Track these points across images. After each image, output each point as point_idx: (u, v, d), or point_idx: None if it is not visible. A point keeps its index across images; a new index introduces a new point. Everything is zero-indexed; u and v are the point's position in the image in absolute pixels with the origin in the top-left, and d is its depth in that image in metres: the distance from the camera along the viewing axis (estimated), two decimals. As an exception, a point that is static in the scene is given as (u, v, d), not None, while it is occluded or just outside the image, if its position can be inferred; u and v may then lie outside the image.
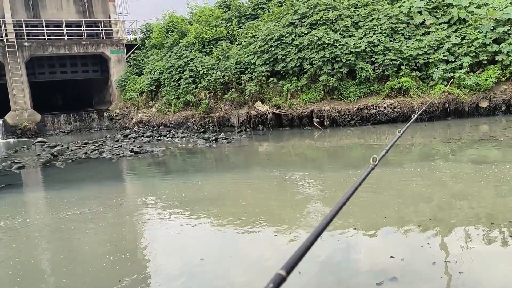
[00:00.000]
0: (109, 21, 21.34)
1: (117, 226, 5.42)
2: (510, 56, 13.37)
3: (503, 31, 13.80)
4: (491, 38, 13.81)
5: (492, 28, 13.94)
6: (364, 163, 8.66)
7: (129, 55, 21.34)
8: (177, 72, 17.46)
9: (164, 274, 3.88)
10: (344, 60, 14.14)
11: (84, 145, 13.78)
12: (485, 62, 13.76)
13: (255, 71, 15.13)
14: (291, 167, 8.82)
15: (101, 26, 20.92)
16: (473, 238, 4.15)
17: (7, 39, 18.54)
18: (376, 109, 13.66)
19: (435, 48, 14.13)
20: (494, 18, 14.06)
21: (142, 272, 3.93)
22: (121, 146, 13.25)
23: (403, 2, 15.83)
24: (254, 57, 15.63)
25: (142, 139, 14.63)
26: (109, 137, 15.70)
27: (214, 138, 13.28)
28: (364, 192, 6.07)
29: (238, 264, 3.97)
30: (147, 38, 22.14)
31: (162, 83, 18.09)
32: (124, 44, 21.24)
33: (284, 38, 15.36)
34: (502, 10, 14.26)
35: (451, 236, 4.21)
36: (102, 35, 20.86)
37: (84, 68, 21.22)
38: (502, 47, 13.64)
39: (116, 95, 20.59)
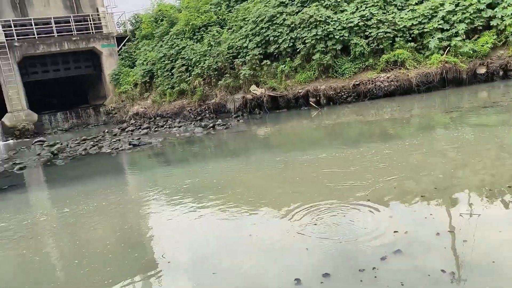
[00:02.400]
0: (98, 15, 21.04)
1: (122, 220, 5.43)
2: (505, 20, 13.12)
3: (497, -6, 13.52)
4: (485, 3, 13.54)
5: (486, -8, 13.65)
6: (364, 139, 8.61)
7: (121, 48, 21.11)
8: (169, 62, 17.29)
9: (171, 266, 3.84)
10: (337, 37, 13.94)
11: (83, 142, 13.77)
12: (481, 28, 13.53)
13: (248, 55, 14.95)
14: (291, 149, 8.78)
15: (90, 20, 20.64)
16: (475, 205, 4.13)
17: (-4, 41, 18.35)
18: (372, 84, 13.52)
19: (429, 17, 13.88)
20: (488, -18, 13.74)
21: (150, 265, 3.92)
22: (119, 140, 13.22)
23: (394, -28, 15.47)
24: (246, 40, 15.43)
25: (140, 131, 14.59)
26: (107, 132, 15.67)
27: (211, 125, 13.22)
28: (365, 167, 6.04)
29: (246, 251, 3.94)
30: (137, 29, 21.87)
31: (155, 73, 17.93)
32: (115, 37, 20.99)
33: (275, 18, 15.11)
34: (495, -27, 13.93)
35: (453, 205, 4.20)
36: (92, 30, 20.60)
37: (77, 64, 21.03)
38: (496, 11, 13.37)
39: (110, 89, 20.46)
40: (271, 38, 14.92)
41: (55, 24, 19.70)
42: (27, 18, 19.71)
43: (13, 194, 8.03)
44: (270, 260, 3.61)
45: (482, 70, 13.38)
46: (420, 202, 4.38)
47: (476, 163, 5.60)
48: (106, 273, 3.85)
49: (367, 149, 7.28)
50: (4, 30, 18.68)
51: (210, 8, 18.73)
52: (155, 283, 3.56)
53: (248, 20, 16.09)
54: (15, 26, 19.07)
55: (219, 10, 18.52)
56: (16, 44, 18.78)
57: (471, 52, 13.21)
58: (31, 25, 19.31)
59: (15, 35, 18.86)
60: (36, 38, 19.24)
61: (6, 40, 18.53)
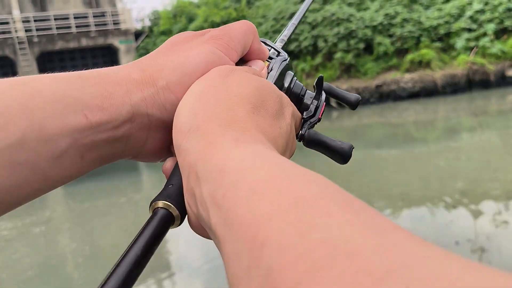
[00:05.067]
0: (116, 11, 21.03)
1: (137, 218, 5.29)
2: (539, 19, 12.58)
3: (530, -7, 12.96)
4: (516, 1, 13.00)
5: (517, -9, 13.10)
6: (385, 142, 8.28)
7: (138, 44, 21.06)
8: (187, 59, 17.12)
9: (186, 267, 3.77)
10: (360, 35, 13.56)
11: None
12: (511, 28, 13.00)
13: (268, 53, 14.67)
14: (307, 152, 8.48)
15: (109, 16, 20.64)
16: (500, 214, 3.88)
17: (17, 36, 18.46)
18: (396, 84, 13.11)
19: (456, 16, 13.40)
20: (520, -20, 13.20)
21: (165, 266, 3.81)
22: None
23: (420, -30, 15.02)
24: (266, 37, 15.14)
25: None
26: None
27: (229, 124, 13.00)
28: (388, 170, 5.74)
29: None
30: (156, 26, 21.79)
31: (173, 71, 17.78)
32: (133, 33, 20.96)
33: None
34: (528, -30, 13.37)
35: (477, 213, 4.00)
36: (110, 26, 20.60)
37: (94, 61, 21.08)
38: (529, 10, 12.84)
39: (128, 86, 20.40)
40: (292, 36, 14.59)
41: (74, 20, 19.76)
42: (46, 14, 19.81)
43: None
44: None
45: (511, 72, 12.86)
46: (442, 208, 4.19)
47: (504, 170, 5.27)
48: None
49: (389, 152, 6.96)
50: (24, 26, 18.80)
51: (230, 4, 18.51)
52: (168, 283, 3.47)
53: (268, 17, 15.81)
54: (34, 21, 19.18)
55: (239, 6, 18.28)
56: (35, 40, 18.88)
57: (500, 53, 12.70)
58: (51, 21, 19.40)
59: (34, 31, 18.97)
60: (55, 34, 19.31)
61: (26, 36, 18.64)
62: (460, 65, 12.77)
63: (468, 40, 12.98)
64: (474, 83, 12.84)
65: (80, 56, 20.72)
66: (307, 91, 0.42)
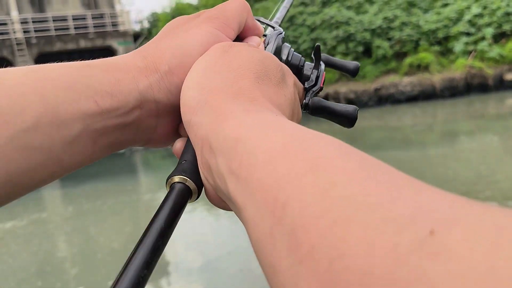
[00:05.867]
0: (115, 12, 21.02)
1: (134, 220, 5.27)
2: (537, 24, 12.62)
3: (528, -2, 13.01)
4: (515, 6, 13.05)
5: (516, -5, 13.15)
6: (383, 145, 8.26)
7: (137, 46, 21.00)
8: (186, 61, 17.12)
9: (183, 267, 3.76)
10: (359, 39, 13.57)
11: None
12: (509, 32, 13.04)
13: (266, 55, 14.68)
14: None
15: (107, 18, 20.62)
16: None
17: (15, 38, 18.41)
18: (394, 88, 13.11)
19: (455, 20, 13.44)
20: (518, -15, 13.25)
21: (162, 266, 3.78)
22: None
23: (419, -26, 15.06)
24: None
25: (155, 131, 14.41)
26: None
27: (227, 126, 12.98)
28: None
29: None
30: (154, 28, 21.78)
31: (171, 73, 17.77)
32: (132, 35, 20.94)
33: (295, 19, 14.81)
34: (526, -25, 13.42)
35: None
36: (109, 27, 20.58)
37: (93, 62, 21.03)
38: (527, 15, 12.88)
39: (126, 88, 20.36)
40: (291, 39, 14.61)
41: (72, 21, 19.73)
42: (45, 15, 19.78)
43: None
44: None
45: (509, 77, 12.89)
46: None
47: (503, 173, 5.25)
48: (111, 274, 3.65)
49: (387, 155, 6.94)
50: (22, 27, 18.75)
51: (228, 7, 18.54)
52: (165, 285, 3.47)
53: (267, 20, 15.83)
54: (33, 22, 19.14)
55: (237, 9, 18.30)
56: (33, 41, 18.84)
57: (498, 57, 12.73)
58: (49, 22, 19.36)
59: (33, 32, 18.92)
60: (53, 35, 19.27)
61: (24, 37, 18.59)
62: (458, 69, 12.79)
63: (467, 44, 13.01)
64: (473, 87, 12.86)
65: (78, 58, 20.28)
66: (306, 62, 0.43)
